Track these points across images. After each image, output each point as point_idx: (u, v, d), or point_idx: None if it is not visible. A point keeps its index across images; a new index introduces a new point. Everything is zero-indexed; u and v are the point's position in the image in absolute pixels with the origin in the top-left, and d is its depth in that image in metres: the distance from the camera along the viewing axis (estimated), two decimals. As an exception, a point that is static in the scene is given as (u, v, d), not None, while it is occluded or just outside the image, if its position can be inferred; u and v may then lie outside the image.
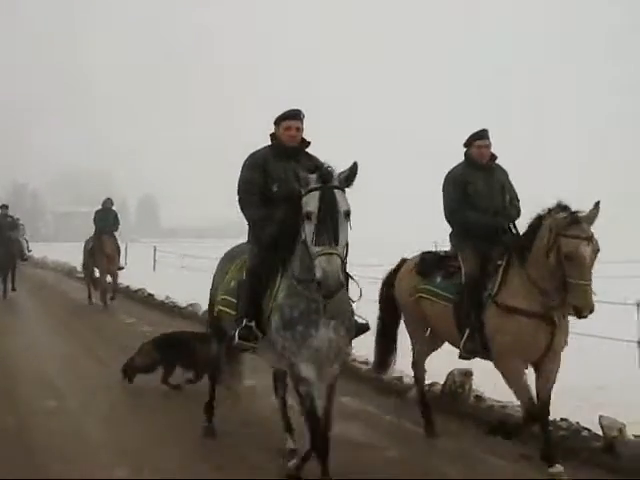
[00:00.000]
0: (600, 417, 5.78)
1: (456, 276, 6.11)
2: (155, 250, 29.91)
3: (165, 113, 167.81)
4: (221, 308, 5.76)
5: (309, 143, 5.64)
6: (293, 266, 4.88)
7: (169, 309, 15.40)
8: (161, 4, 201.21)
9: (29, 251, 19.89)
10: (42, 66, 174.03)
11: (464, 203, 6.18)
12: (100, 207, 17.28)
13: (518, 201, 6.41)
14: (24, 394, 7.90)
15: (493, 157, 6.35)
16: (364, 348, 9.06)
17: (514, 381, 5.60)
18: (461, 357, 6.09)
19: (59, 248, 40.16)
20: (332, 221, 4.46)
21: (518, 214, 6.31)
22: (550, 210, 5.50)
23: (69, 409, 7.30)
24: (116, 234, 16.96)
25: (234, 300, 5.49)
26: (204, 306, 13.98)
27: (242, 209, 5.53)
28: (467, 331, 5.83)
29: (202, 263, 24.92)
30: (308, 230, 4.54)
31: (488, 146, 6.29)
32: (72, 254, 34.94)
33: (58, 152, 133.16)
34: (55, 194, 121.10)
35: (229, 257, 6.06)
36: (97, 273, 17.08)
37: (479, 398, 7.04)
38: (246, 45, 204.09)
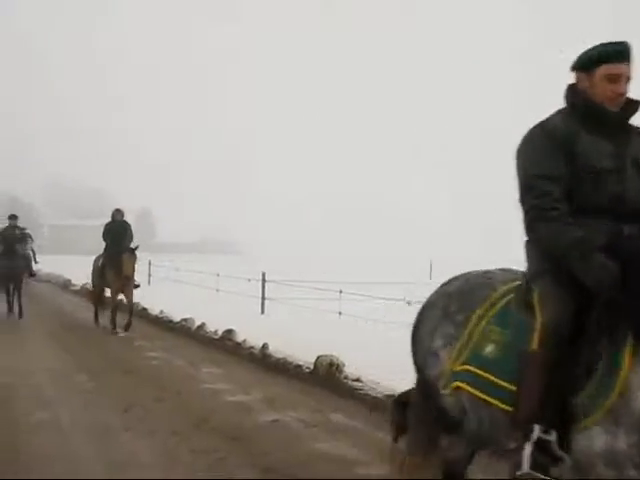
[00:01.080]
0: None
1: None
2: (150, 264, 29.95)
3: (162, 126, 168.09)
4: (463, 386, 3.46)
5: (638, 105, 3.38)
6: None
7: (163, 323, 15.41)
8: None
9: (36, 262, 18.46)
10: (39, 82, 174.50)
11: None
12: (110, 220, 15.13)
13: None
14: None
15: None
16: (355, 367, 9.18)
17: None
18: None
19: (53, 260, 40.17)
20: None
21: None
22: None
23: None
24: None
25: (501, 382, 3.27)
26: (197, 320, 14.11)
27: (530, 224, 3.34)
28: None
29: (199, 277, 25.10)
30: None
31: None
32: (65, 267, 35.15)
33: (53, 165, 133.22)
34: (50, 207, 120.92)
35: (464, 292, 3.72)
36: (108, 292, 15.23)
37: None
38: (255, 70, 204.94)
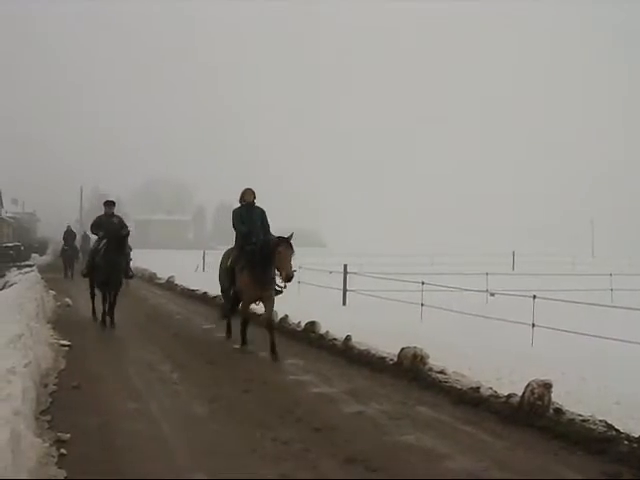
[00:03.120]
0: None
1: None
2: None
3: (236, 122, 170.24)
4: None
5: None
6: None
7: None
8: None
9: (130, 260, 16.01)
10: (126, 89, 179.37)
11: None
12: (242, 204, 11.53)
13: None
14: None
15: None
16: (440, 359, 9.09)
17: None
18: None
19: (138, 255, 41.26)
20: None
21: None
22: None
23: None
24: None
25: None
26: (280, 313, 14.22)
27: None
28: None
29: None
30: None
31: None
32: (150, 260, 36.21)
33: (139, 162, 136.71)
34: (134, 202, 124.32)
35: None
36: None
37: (559, 411, 6.85)
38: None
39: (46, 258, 49.92)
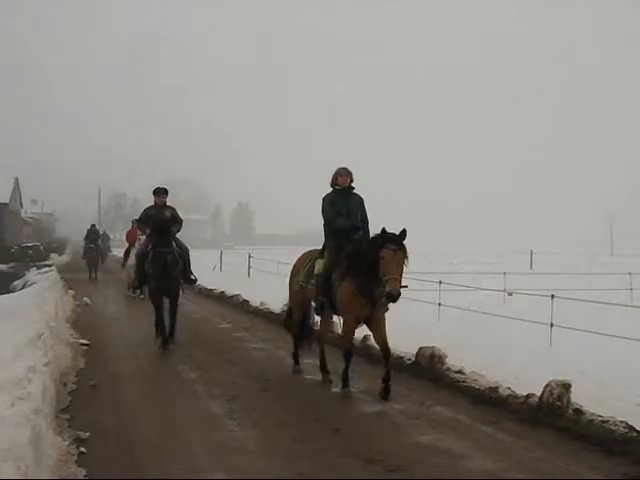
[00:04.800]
0: None
1: None
2: (249, 257, 30.47)
3: (257, 120, 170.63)
4: None
5: None
6: None
7: (264, 315, 15.61)
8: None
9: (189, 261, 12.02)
10: (143, 89, 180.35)
11: None
12: (335, 189, 8.79)
13: None
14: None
15: None
16: (458, 358, 9.05)
17: None
18: None
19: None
20: None
21: None
22: None
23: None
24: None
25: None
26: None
27: None
28: None
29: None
30: None
31: None
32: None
33: (157, 163, 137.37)
34: (149, 203, 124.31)
35: None
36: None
37: (578, 412, 6.80)
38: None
39: (65, 258, 50.23)
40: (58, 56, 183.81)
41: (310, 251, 9.58)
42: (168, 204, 12.02)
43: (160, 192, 11.95)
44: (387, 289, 7.51)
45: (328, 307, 8.64)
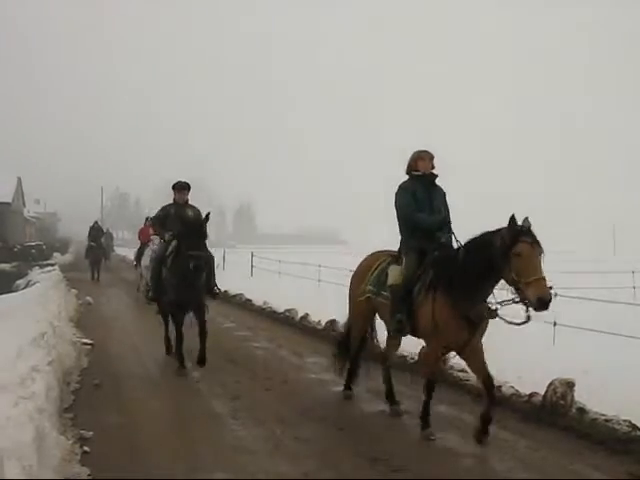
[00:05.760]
0: None
1: None
2: (252, 256, 30.44)
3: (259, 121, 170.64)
4: None
5: None
6: None
7: (267, 314, 15.62)
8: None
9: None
10: (147, 89, 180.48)
11: None
12: (413, 177, 7.18)
13: None
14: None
15: None
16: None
17: None
18: None
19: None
20: None
21: None
22: None
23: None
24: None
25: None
26: (301, 311, 14.22)
27: None
28: None
29: (301, 269, 25.33)
30: None
31: None
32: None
33: (159, 162, 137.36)
34: (155, 202, 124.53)
35: None
36: None
37: (582, 410, 6.80)
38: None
39: (67, 257, 50.27)
40: (59, 55, 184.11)
41: (378, 253, 7.87)
42: (190, 203, 10.29)
43: (181, 187, 10.15)
44: (535, 295, 5.78)
45: (408, 327, 6.80)
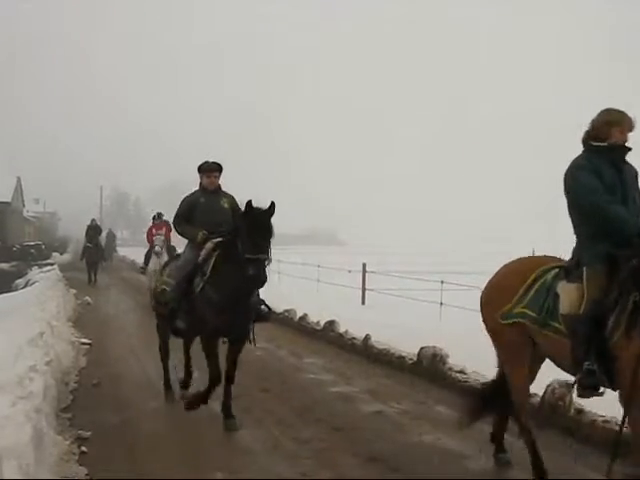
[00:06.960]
0: None
1: None
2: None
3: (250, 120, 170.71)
4: None
5: None
6: None
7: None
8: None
9: None
10: (147, 88, 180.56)
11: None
12: (593, 149, 4.98)
13: None
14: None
15: None
16: (460, 358, 9.03)
17: None
18: None
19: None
20: None
21: None
22: None
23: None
24: None
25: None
26: (299, 312, 14.21)
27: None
28: None
29: (300, 269, 25.27)
30: None
31: None
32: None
33: (159, 162, 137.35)
34: (155, 202, 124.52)
35: None
36: None
37: (580, 412, 6.79)
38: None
39: (66, 257, 50.24)
40: (59, 55, 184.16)
41: (528, 259, 5.65)
42: (224, 189, 7.69)
43: (210, 169, 7.55)
44: None
45: (605, 380, 4.65)
